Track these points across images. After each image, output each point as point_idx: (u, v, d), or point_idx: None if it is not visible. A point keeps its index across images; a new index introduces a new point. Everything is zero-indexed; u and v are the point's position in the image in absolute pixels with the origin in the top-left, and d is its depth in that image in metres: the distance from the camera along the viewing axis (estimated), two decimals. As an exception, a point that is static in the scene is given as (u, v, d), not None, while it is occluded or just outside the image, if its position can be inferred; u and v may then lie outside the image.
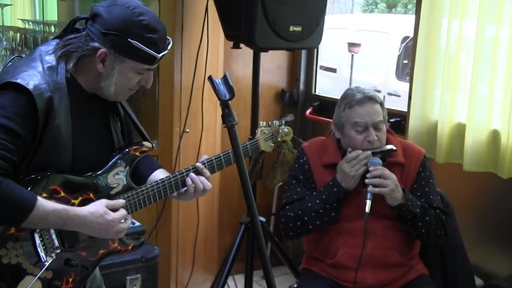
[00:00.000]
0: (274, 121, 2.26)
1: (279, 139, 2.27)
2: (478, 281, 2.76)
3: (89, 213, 1.76)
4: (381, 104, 2.38)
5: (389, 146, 2.38)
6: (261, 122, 2.26)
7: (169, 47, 1.84)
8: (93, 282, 2.02)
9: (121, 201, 1.85)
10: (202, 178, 1.98)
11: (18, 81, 1.68)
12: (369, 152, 2.32)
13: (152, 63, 1.80)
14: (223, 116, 1.68)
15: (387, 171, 2.29)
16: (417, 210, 2.31)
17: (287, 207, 2.45)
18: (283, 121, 2.29)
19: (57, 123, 1.73)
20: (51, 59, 1.78)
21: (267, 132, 2.24)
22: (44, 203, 1.69)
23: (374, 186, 2.27)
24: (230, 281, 3.01)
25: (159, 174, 2.02)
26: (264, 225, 2.99)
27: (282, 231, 2.48)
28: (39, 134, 1.70)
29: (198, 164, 2.00)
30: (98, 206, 1.78)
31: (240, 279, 3.21)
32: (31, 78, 1.70)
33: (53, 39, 1.88)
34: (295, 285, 2.69)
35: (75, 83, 1.81)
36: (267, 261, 1.73)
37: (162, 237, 3.22)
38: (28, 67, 1.73)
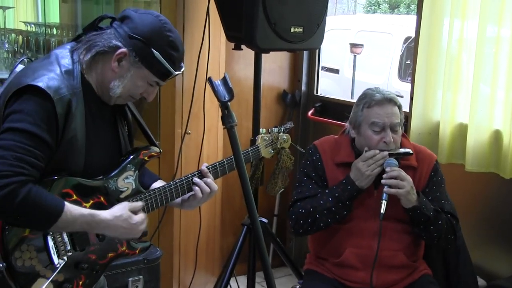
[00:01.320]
0: (273, 128, 2.30)
1: (278, 146, 2.30)
2: (481, 281, 2.76)
3: (115, 218, 1.80)
4: (400, 107, 2.38)
5: (405, 149, 2.39)
6: (261, 129, 2.29)
7: (182, 70, 1.88)
8: (97, 283, 2.02)
9: (140, 203, 1.90)
10: (208, 180, 2.01)
11: (40, 84, 1.69)
12: (386, 153, 2.32)
13: (165, 79, 1.85)
14: (222, 118, 1.69)
15: (403, 173, 2.29)
16: (431, 213, 2.31)
17: (298, 203, 2.44)
18: (282, 128, 2.32)
19: (74, 127, 1.75)
20: (67, 63, 1.80)
21: (267, 138, 2.28)
22: (71, 208, 1.72)
23: (390, 187, 2.27)
24: (232, 282, 3.00)
25: (161, 184, 2.05)
26: (266, 226, 2.99)
27: (292, 227, 2.47)
28: (59, 138, 1.72)
29: (202, 167, 2.04)
30: (122, 211, 1.83)
31: (242, 280, 3.20)
32: (51, 81, 1.71)
33: (71, 41, 1.89)
34: (298, 286, 2.69)
35: (89, 87, 1.83)
36: (268, 263, 1.73)
37: (164, 239, 3.22)
38: (47, 70, 1.75)
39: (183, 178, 2.01)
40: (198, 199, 2.02)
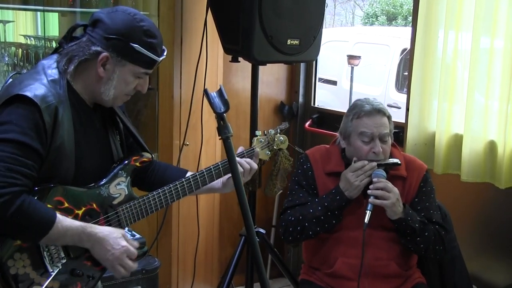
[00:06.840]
0: (269, 130, 2.29)
1: (275, 147, 2.30)
2: (477, 291, 2.77)
3: (108, 232, 1.81)
4: (389, 118, 2.41)
5: (394, 160, 2.40)
6: (256, 131, 2.29)
7: (165, 54, 1.90)
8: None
9: (137, 243, 1.90)
10: (248, 160, 2.09)
11: (26, 93, 1.71)
12: (374, 164, 2.34)
13: (151, 67, 1.87)
14: (218, 129, 1.70)
15: (390, 185, 2.31)
16: (416, 225, 2.32)
17: (289, 211, 2.47)
18: (278, 129, 2.32)
19: (61, 134, 1.76)
20: (53, 73, 1.82)
21: (263, 140, 2.27)
22: (63, 220, 1.73)
23: (376, 197, 2.29)
24: (230, 293, 3.02)
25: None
26: (264, 237, 3.00)
27: (282, 235, 2.50)
28: (48, 146, 1.74)
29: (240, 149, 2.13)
30: (116, 231, 1.84)
31: (240, 291, 3.22)
32: (38, 90, 1.74)
33: (52, 53, 1.92)
34: (294, 297, 2.70)
35: (76, 96, 1.85)
36: (263, 272, 1.74)
37: (163, 249, 3.23)
38: (33, 80, 1.77)
39: (218, 164, 2.07)
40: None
